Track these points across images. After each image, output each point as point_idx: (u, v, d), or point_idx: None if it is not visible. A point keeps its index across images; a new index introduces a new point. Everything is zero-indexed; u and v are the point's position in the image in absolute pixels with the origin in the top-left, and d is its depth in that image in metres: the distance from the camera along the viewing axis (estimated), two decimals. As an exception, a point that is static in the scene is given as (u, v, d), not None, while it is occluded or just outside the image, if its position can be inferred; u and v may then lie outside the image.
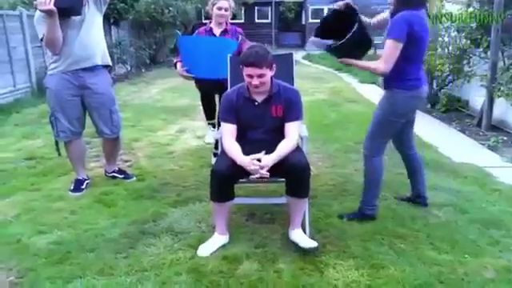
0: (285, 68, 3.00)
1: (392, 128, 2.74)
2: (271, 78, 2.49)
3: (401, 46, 2.47)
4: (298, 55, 15.37)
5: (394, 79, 2.60)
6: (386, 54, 2.50)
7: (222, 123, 2.53)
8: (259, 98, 2.51)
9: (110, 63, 3.43)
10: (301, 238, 2.50)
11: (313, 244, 2.42)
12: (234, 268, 2.31)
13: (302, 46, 17.71)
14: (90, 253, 2.46)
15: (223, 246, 2.50)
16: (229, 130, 2.50)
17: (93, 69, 3.20)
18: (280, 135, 2.48)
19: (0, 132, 5.30)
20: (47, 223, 2.81)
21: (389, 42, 2.49)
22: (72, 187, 3.33)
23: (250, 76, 2.41)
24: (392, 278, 2.21)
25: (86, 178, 3.43)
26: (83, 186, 3.35)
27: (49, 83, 3.21)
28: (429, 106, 6.57)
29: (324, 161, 3.98)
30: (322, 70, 11.49)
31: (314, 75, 9.97)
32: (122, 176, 3.62)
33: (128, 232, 2.69)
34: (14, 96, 6.96)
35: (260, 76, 2.40)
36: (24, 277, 2.24)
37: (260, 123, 2.53)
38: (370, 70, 2.67)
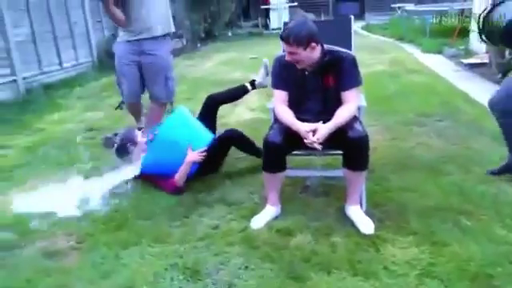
0: (342, 33, 2.83)
1: None
2: (322, 47, 2.32)
3: None
4: (356, 25, 14.79)
5: None
6: None
7: (274, 90, 2.43)
8: (309, 68, 2.36)
9: (172, 30, 3.58)
10: (357, 216, 2.39)
11: (369, 230, 2.29)
12: (287, 240, 2.25)
13: (360, 15, 16.83)
14: (146, 220, 2.52)
15: (276, 219, 2.45)
16: (280, 97, 2.40)
17: (153, 38, 3.39)
18: (336, 106, 2.33)
19: (64, 104, 5.56)
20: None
21: None
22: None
23: (285, 50, 2.28)
24: (456, 256, 2.05)
25: None
26: None
27: (115, 49, 3.52)
28: (500, 75, 6.02)
29: (383, 134, 3.78)
30: (382, 40, 10.93)
31: (373, 46, 9.51)
32: None
33: (183, 201, 2.72)
34: (76, 70, 7.27)
35: (291, 53, 2.26)
36: (83, 242, 2.33)
37: (312, 93, 2.39)
38: None
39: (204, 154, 2.88)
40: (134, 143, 3.00)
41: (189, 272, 2.02)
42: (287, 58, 2.30)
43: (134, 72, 3.46)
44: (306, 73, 2.37)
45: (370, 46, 9.30)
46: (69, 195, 2.80)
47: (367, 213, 2.43)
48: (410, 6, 11.60)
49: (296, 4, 14.28)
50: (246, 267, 2.05)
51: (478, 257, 2.04)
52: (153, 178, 2.88)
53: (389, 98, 5.06)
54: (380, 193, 2.71)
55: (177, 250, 2.21)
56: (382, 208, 2.53)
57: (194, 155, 2.85)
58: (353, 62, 2.36)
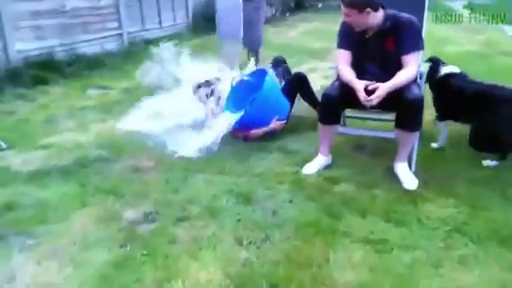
0: (415, 1, 2.87)
1: None
2: (385, 13, 2.43)
3: None
4: (456, 3, 13.77)
5: None
6: None
7: (338, 50, 2.61)
8: (370, 32, 2.48)
9: None
10: (404, 172, 2.54)
11: (412, 185, 2.44)
12: (332, 187, 2.50)
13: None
14: (212, 155, 2.89)
15: (325, 169, 2.69)
16: (344, 57, 2.57)
17: None
18: (395, 70, 2.42)
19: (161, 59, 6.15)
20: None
21: None
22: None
23: (342, 11, 2.43)
24: (492, 220, 2.15)
25: None
26: None
27: None
28: None
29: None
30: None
31: (469, 25, 8.95)
32: None
33: (247, 145, 3.07)
34: (173, 30, 7.89)
35: (346, 15, 2.41)
36: (161, 165, 2.77)
37: (372, 57, 2.52)
38: None
39: (284, 124, 3.19)
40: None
41: (241, 198, 2.36)
42: (343, 18, 2.47)
43: None
44: (367, 36, 2.50)
45: (465, 25, 8.77)
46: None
47: (415, 174, 2.57)
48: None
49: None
50: (291, 201, 2.35)
51: (517, 223, 2.10)
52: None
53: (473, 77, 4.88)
54: (432, 159, 2.81)
55: (235, 181, 2.56)
56: (431, 172, 2.65)
57: (277, 124, 3.17)
58: (415, 27, 2.44)
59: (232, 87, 3.32)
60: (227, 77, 3.48)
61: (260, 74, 3.34)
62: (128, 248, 1.95)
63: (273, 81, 3.34)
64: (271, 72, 3.50)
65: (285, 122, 3.23)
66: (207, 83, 3.46)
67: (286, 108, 3.31)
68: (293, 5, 11.39)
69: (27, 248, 1.96)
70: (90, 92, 4.56)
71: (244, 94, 3.26)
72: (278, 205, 2.31)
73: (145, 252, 1.91)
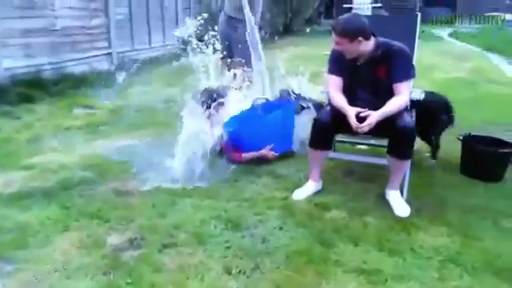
0: (406, 29, 2.90)
1: None
2: (376, 40, 2.44)
3: None
4: (444, 32, 14.15)
5: None
6: None
7: (329, 75, 2.60)
8: (361, 59, 2.48)
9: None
10: (396, 200, 2.51)
11: (404, 213, 2.41)
12: (323, 213, 2.44)
13: (451, 21, 16.13)
14: (200, 181, 2.81)
15: (316, 194, 2.64)
16: (335, 83, 2.56)
17: None
18: (387, 97, 2.42)
19: (148, 79, 6.14)
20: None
21: None
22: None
23: (333, 39, 2.44)
24: (487, 250, 2.11)
25: None
26: None
27: None
28: None
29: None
30: (468, 48, 10.42)
31: (457, 53, 9.14)
32: None
33: (236, 168, 3.01)
34: (162, 51, 7.90)
35: (337, 43, 2.41)
36: (147, 188, 2.70)
37: (363, 83, 2.52)
38: None
39: (275, 156, 3.14)
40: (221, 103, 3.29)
41: (230, 224, 2.29)
42: (334, 46, 2.47)
43: None
44: (358, 63, 2.50)
45: (453, 53, 8.97)
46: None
47: (407, 201, 2.53)
48: (508, 16, 10.88)
49: (380, 5, 14.02)
50: (281, 228, 2.28)
51: (509, 255, 2.07)
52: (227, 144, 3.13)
53: (459, 103, 4.93)
54: (423, 186, 2.78)
55: (223, 205, 2.49)
56: (422, 200, 2.62)
57: (269, 154, 3.12)
58: (406, 55, 2.45)
59: (250, 107, 3.25)
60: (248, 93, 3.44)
61: (285, 103, 3.34)
62: (112, 276, 1.86)
63: (291, 115, 3.30)
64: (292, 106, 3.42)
65: (278, 154, 3.17)
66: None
67: (286, 145, 3.24)
68: (281, 29, 11.53)
69: (5, 275, 1.86)
70: (76, 111, 4.49)
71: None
72: (268, 231, 2.25)
73: (129, 280, 1.82)
